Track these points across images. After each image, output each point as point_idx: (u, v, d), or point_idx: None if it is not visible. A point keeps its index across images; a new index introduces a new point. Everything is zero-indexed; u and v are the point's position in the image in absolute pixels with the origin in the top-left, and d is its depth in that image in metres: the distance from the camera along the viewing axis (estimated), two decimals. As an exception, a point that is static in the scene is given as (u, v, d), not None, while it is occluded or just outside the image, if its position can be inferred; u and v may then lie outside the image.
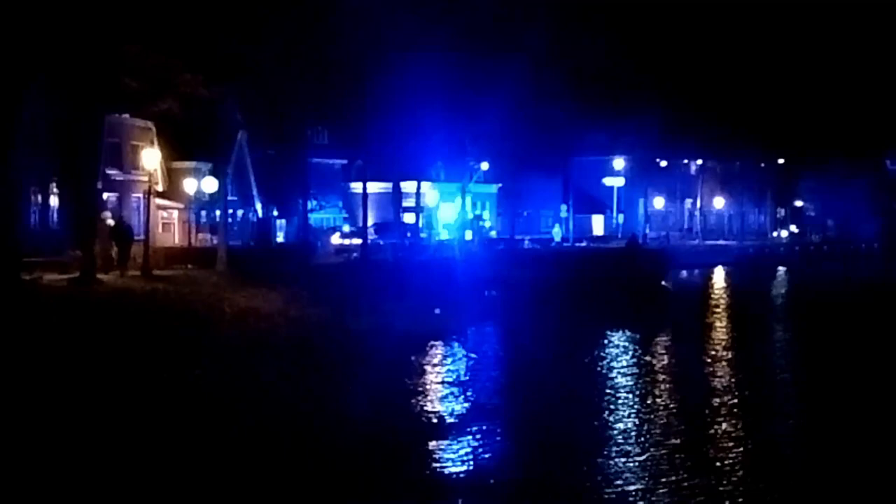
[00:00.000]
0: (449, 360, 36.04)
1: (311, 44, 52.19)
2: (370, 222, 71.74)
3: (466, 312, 44.29)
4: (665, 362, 36.76)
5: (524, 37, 74.01)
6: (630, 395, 30.05)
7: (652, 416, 26.83)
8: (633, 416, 27.02)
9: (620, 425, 25.76)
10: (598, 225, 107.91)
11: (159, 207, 61.19)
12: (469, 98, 68.77)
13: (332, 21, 54.23)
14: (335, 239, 71.17)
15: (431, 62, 61.74)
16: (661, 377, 33.54)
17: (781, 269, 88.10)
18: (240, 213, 71.10)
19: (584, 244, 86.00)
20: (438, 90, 64.46)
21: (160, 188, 57.55)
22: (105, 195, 57.83)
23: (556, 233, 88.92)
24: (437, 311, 43.30)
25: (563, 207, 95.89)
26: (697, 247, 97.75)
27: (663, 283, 62.10)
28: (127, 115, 57.39)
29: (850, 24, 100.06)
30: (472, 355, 36.89)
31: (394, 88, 59.06)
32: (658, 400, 29.29)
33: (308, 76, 54.77)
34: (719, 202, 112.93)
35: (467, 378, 32.08)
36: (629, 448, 23.21)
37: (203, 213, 66.66)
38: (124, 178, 59.24)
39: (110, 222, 47.63)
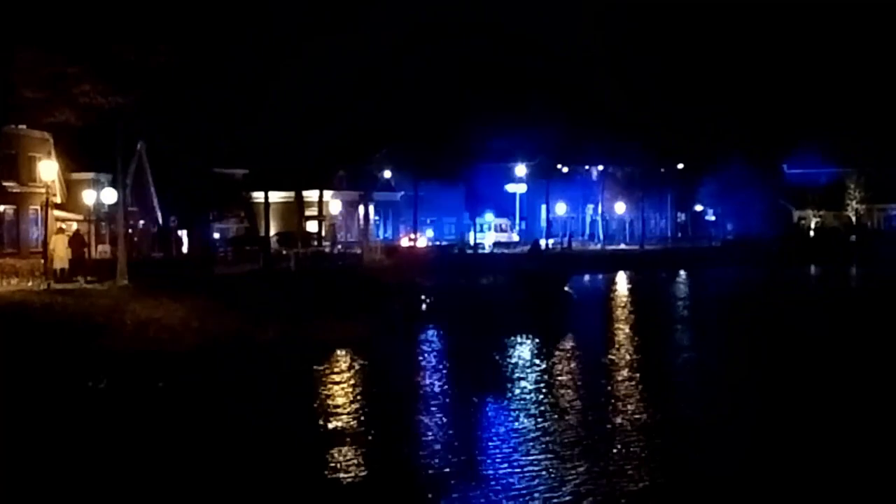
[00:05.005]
0: (346, 367, 36.22)
1: (210, 52, 51.92)
2: (272, 231, 71.52)
3: (368, 321, 44.34)
4: (563, 365, 37.27)
5: (424, 43, 74.68)
6: (529, 398, 30.49)
7: (555, 415, 27.36)
8: (534, 416, 27.48)
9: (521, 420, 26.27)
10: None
11: (58, 219, 60.42)
12: (370, 105, 69.05)
13: (231, 28, 54.08)
14: None
15: (332, 71, 62.02)
16: (558, 379, 34.04)
17: (682, 272, 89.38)
18: (140, 223, 70.39)
19: (488, 251, 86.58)
20: (339, 99, 64.72)
21: (58, 200, 56.94)
22: (1, 207, 57.08)
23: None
24: (340, 319, 43.35)
25: (466, 215, 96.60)
26: (599, 252, 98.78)
27: (566, 288, 62.64)
28: (23, 126, 56.59)
29: (747, 31, 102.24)
30: (372, 364, 37.05)
31: (295, 97, 59.13)
32: (559, 397, 29.85)
33: (208, 85, 54.48)
34: (620, 207, 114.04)
35: (362, 392, 32.21)
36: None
37: (103, 224, 65.95)
38: (21, 191, 58.41)
39: (69, 233, 47.63)
